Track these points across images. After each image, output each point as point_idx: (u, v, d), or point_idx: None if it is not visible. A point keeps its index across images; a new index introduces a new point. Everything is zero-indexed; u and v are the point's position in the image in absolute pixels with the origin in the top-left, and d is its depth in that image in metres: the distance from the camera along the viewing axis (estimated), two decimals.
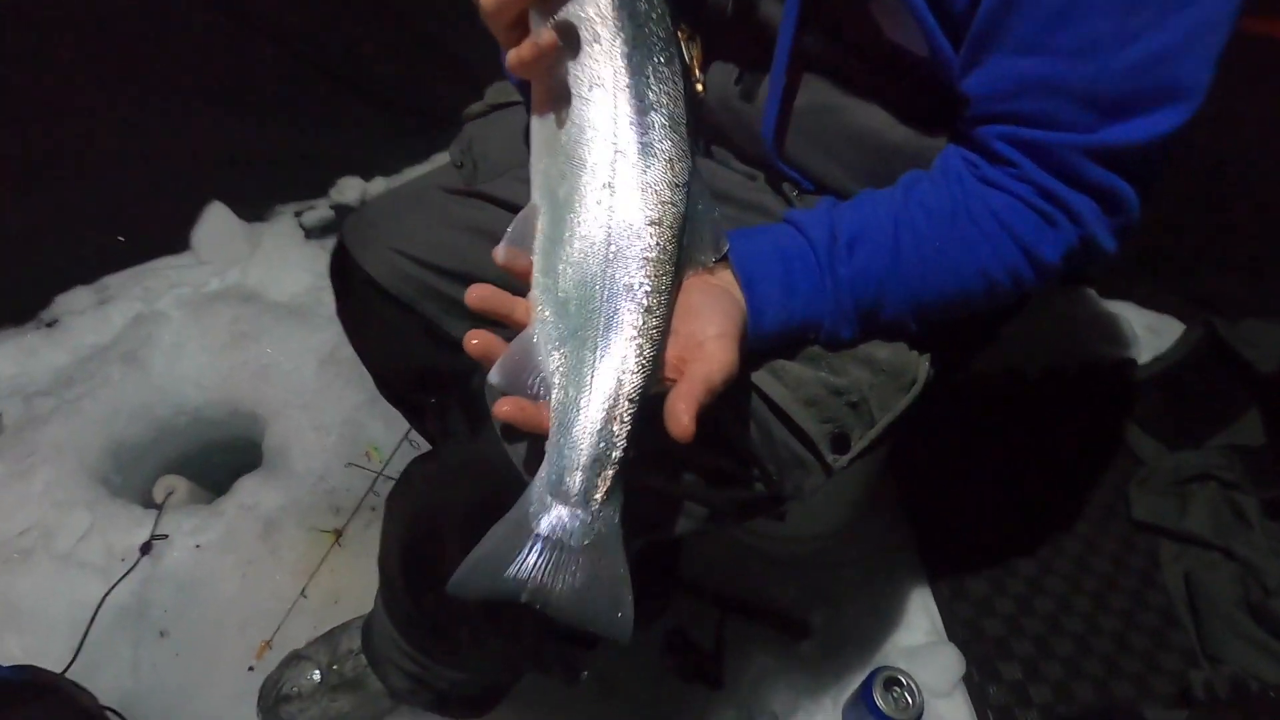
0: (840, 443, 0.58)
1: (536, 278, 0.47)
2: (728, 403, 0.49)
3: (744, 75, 0.64)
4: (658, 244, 0.46)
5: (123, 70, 1.32)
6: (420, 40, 1.61)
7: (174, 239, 1.50)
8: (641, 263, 0.46)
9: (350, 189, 1.70)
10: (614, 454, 0.45)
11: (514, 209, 0.51)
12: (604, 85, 0.45)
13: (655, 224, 0.46)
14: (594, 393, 0.45)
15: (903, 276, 0.54)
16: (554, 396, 0.46)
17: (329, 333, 1.43)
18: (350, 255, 0.77)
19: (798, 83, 0.61)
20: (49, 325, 1.36)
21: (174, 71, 1.38)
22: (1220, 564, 1.07)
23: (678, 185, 0.47)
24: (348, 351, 0.93)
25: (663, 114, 0.46)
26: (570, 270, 0.46)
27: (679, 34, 0.66)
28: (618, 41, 0.45)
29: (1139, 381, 1.33)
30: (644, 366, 0.45)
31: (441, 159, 1.87)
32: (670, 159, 0.47)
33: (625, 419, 0.45)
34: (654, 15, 0.46)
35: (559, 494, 0.45)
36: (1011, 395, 1.28)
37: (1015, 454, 1.24)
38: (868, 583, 1.13)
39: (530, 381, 0.46)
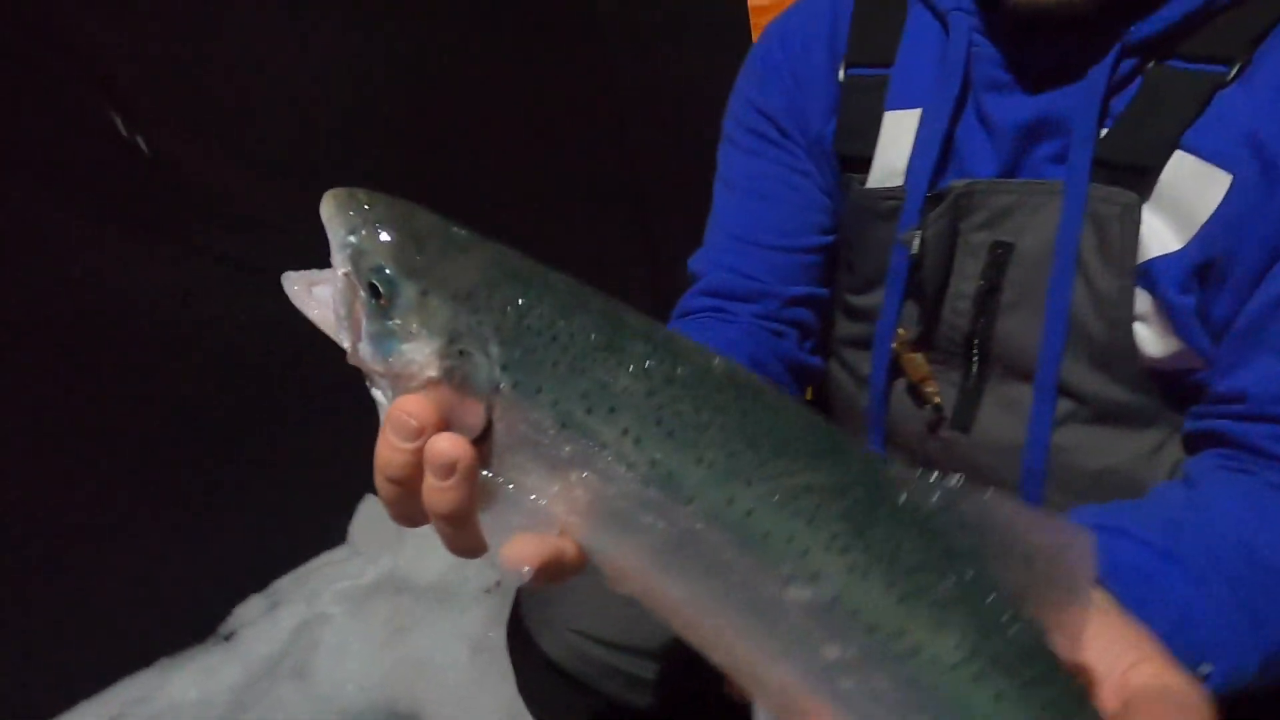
0: None
1: None
2: None
3: None
4: None
5: (274, 391, 1.47)
6: None
7: (332, 533, 1.59)
8: None
9: None
10: None
11: None
12: None
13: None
14: None
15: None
16: None
17: (477, 612, 1.46)
18: (530, 636, 0.78)
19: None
20: (227, 639, 1.43)
21: (313, 378, 1.52)
22: None
23: None
24: (497, 636, 0.90)
25: None
26: None
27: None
28: None
29: None
30: None
31: None
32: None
33: None
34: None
35: None
36: None
37: None
38: None
39: None
